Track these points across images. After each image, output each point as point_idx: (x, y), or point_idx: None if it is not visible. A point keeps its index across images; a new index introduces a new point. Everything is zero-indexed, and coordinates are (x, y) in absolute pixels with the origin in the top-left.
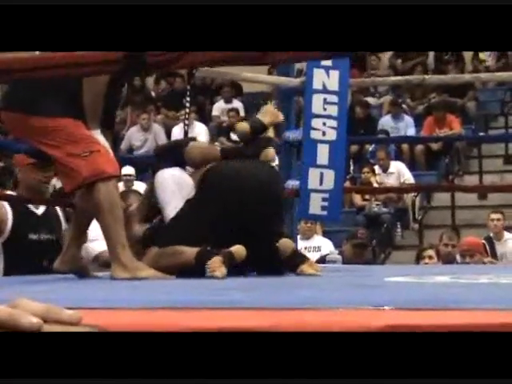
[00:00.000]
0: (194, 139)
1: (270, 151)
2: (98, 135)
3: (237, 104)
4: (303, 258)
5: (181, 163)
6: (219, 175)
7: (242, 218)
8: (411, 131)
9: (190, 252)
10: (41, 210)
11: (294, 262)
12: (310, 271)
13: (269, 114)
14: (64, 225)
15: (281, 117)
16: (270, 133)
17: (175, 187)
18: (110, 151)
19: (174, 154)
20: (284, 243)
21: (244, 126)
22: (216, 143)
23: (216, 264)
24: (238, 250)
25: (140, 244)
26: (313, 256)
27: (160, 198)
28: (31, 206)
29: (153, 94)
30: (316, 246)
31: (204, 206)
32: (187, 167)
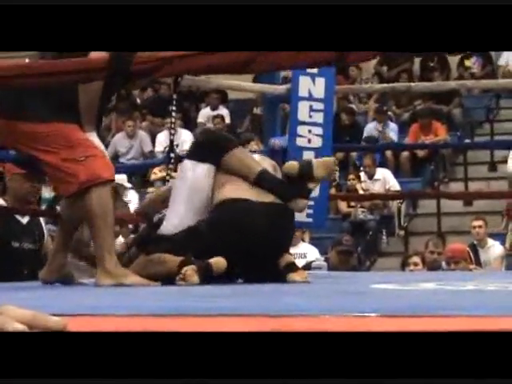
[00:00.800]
0: (244, 143)
1: (303, 202)
2: (93, 137)
3: (223, 111)
4: (294, 267)
5: (216, 162)
6: (233, 216)
7: (245, 260)
8: (394, 137)
9: (174, 261)
10: (25, 218)
11: (284, 271)
12: (297, 278)
13: (326, 168)
14: (46, 235)
15: (334, 177)
16: (314, 185)
17: (192, 189)
18: (106, 154)
19: (213, 149)
20: (285, 257)
21: (294, 166)
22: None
23: (188, 272)
24: (218, 261)
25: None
26: (298, 263)
27: (172, 194)
28: (17, 215)
29: (138, 100)
30: (302, 252)
31: (207, 237)
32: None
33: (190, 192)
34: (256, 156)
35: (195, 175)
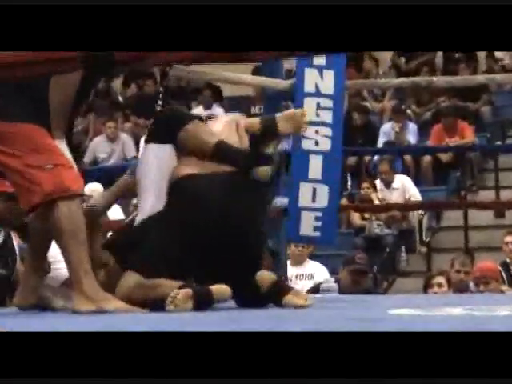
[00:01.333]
0: (201, 118)
1: (265, 170)
2: (62, 145)
3: (217, 110)
4: (286, 288)
5: (173, 139)
6: (190, 192)
7: (209, 246)
8: (413, 139)
9: (170, 286)
10: None
11: (276, 294)
12: (296, 302)
13: (291, 121)
14: (18, 261)
15: (303, 131)
16: (271, 148)
17: (158, 174)
18: (74, 165)
19: (168, 127)
20: (261, 276)
21: (254, 121)
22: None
23: (180, 296)
24: (220, 289)
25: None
26: (305, 284)
27: (138, 183)
28: None
29: (120, 98)
30: (309, 273)
31: (171, 224)
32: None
33: (156, 177)
34: (221, 123)
35: (158, 158)
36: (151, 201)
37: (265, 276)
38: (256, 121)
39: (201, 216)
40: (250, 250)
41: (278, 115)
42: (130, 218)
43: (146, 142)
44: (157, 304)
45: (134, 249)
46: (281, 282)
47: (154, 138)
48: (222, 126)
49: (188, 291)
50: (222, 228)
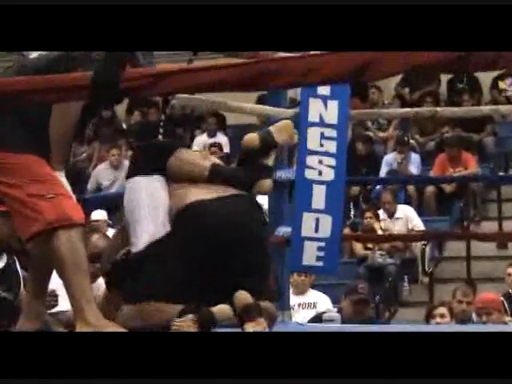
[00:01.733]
0: (183, 145)
1: (267, 183)
2: (62, 178)
3: (221, 138)
4: (251, 316)
5: (161, 170)
6: (191, 227)
7: (215, 274)
8: (416, 170)
9: (171, 311)
10: (1, 263)
11: (242, 317)
12: (251, 330)
13: (285, 131)
14: (22, 284)
15: (296, 139)
16: (271, 160)
17: (151, 204)
18: (74, 197)
19: (155, 158)
20: (237, 296)
21: (252, 137)
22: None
23: (185, 324)
24: (222, 310)
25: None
26: (307, 314)
27: (129, 216)
28: None
29: (124, 126)
30: (311, 302)
31: (176, 251)
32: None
33: (150, 208)
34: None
35: (148, 189)
36: (150, 230)
37: (241, 296)
38: (253, 135)
39: (210, 243)
40: (257, 274)
41: (271, 128)
42: (123, 252)
43: (129, 177)
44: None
45: (134, 278)
46: (253, 307)
47: (139, 170)
48: (203, 151)
49: (192, 317)
50: (230, 253)
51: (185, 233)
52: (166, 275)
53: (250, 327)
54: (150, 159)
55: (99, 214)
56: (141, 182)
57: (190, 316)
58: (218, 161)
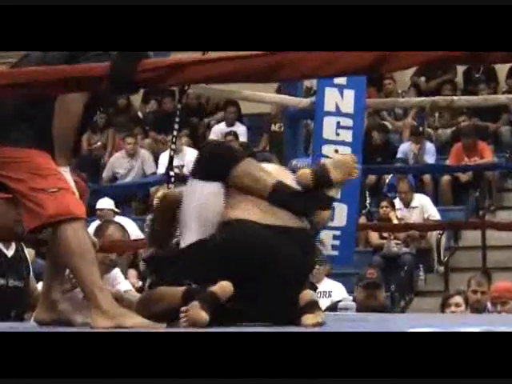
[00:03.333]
0: (251, 155)
1: (326, 214)
2: (66, 173)
3: (239, 128)
4: (311, 308)
5: (222, 178)
6: (244, 239)
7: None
8: (431, 160)
9: (173, 294)
10: (11, 251)
11: (302, 311)
12: (310, 322)
13: (343, 168)
14: (31, 271)
15: (355, 176)
16: (334, 191)
17: (199, 213)
18: (77, 193)
19: (220, 164)
20: (304, 293)
21: (307, 174)
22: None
23: (191, 312)
24: (222, 286)
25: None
26: (323, 302)
27: (180, 216)
28: (1, 247)
29: (140, 114)
30: (326, 290)
31: (214, 254)
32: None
33: (199, 215)
34: (272, 166)
35: (203, 196)
36: (193, 234)
37: (306, 294)
38: (307, 172)
39: (240, 261)
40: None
41: (328, 163)
42: (174, 241)
43: (193, 176)
44: (165, 316)
45: (164, 271)
46: (315, 303)
47: (198, 173)
48: (276, 168)
49: (196, 304)
50: (262, 275)
51: (220, 243)
52: (194, 272)
53: (308, 319)
54: (215, 164)
55: (105, 203)
56: (197, 186)
57: (195, 303)
58: (285, 181)
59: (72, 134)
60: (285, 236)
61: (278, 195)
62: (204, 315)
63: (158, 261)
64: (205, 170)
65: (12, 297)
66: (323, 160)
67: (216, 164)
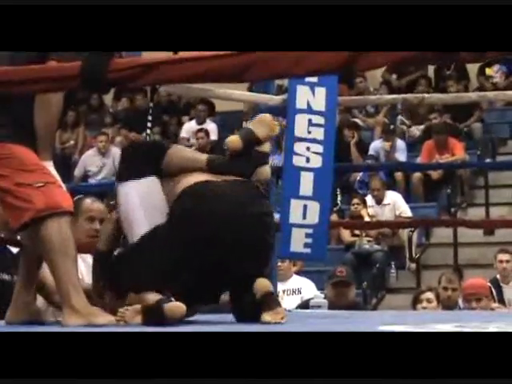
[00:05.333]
0: (176, 142)
1: (265, 170)
2: (50, 167)
3: (210, 125)
4: (271, 305)
5: (156, 171)
6: (195, 202)
7: (215, 253)
8: (402, 157)
9: (149, 300)
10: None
11: (262, 306)
12: (272, 319)
13: (264, 124)
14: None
15: (277, 129)
16: (266, 147)
17: (142, 206)
18: (64, 186)
19: (147, 159)
20: (259, 283)
21: (234, 139)
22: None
23: (128, 313)
24: (173, 307)
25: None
26: (293, 300)
27: (125, 220)
28: None
29: (111, 112)
30: (295, 288)
31: (175, 236)
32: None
33: (146, 212)
34: None
35: (141, 193)
36: (144, 228)
37: (262, 284)
38: (235, 138)
39: (212, 219)
40: (257, 258)
41: (250, 124)
42: (117, 251)
43: (121, 179)
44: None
45: (121, 270)
46: (272, 296)
47: (131, 172)
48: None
49: (136, 308)
50: (233, 232)
51: (182, 213)
52: (154, 264)
53: (268, 316)
54: (143, 160)
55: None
56: (134, 186)
57: (134, 307)
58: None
59: (54, 128)
60: (238, 186)
61: (215, 164)
62: (138, 320)
63: (108, 258)
64: (135, 168)
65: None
66: (248, 124)
67: (146, 159)
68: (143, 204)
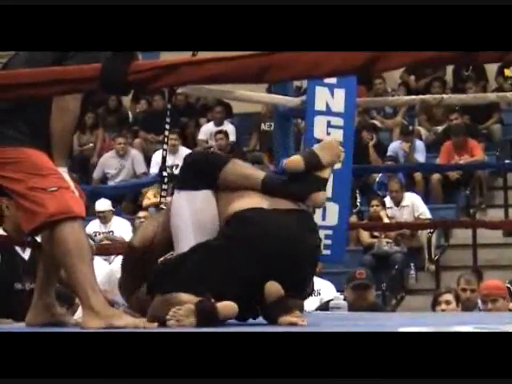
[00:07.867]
0: (235, 156)
1: (321, 196)
2: (64, 174)
3: (228, 127)
4: (287, 308)
5: (212, 184)
6: (247, 226)
7: (262, 276)
8: (421, 157)
9: (190, 300)
10: (27, 253)
11: (276, 310)
12: (289, 320)
13: (330, 150)
14: None
15: (342, 157)
16: (326, 173)
17: (192, 223)
18: (76, 192)
19: (206, 172)
20: (269, 287)
21: (296, 160)
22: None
23: (181, 312)
24: (227, 307)
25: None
26: (312, 302)
27: (173, 229)
28: (18, 249)
29: (130, 114)
30: (315, 289)
31: (223, 254)
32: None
33: (195, 222)
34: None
35: (194, 207)
36: (192, 243)
37: (273, 288)
38: (298, 159)
39: (253, 251)
40: (302, 288)
41: (315, 147)
42: (161, 259)
43: (179, 188)
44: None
45: (169, 277)
46: (286, 299)
47: (185, 184)
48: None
49: (190, 307)
50: (280, 269)
51: (232, 236)
52: (202, 275)
53: (286, 320)
54: (202, 172)
55: (104, 204)
56: (188, 199)
57: (188, 306)
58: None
59: (70, 134)
60: (290, 217)
61: (271, 184)
62: (192, 320)
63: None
64: (193, 179)
65: (30, 300)
66: (314, 146)
67: (203, 172)
68: (194, 222)
